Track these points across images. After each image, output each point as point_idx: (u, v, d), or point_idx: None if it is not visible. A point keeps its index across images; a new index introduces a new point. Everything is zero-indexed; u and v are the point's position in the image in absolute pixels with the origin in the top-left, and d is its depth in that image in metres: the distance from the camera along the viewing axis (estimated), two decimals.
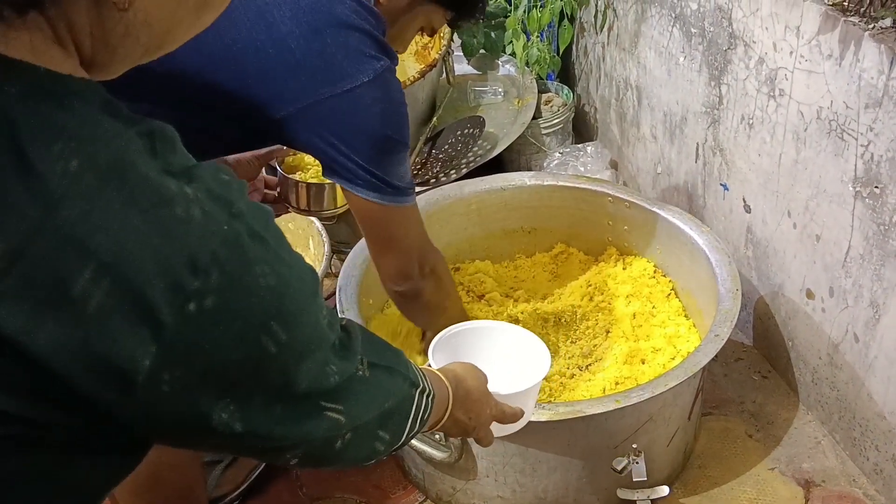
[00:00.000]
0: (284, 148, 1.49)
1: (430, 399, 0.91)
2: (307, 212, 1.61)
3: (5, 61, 0.57)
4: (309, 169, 1.63)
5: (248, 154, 1.49)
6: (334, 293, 1.72)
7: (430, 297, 1.54)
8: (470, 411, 1.05)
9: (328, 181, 1.47)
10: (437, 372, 1.01)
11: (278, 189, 1.61)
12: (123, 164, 0.58)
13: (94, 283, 0.55)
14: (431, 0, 1.41)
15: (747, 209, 1.94)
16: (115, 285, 0.55)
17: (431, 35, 1.50)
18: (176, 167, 0.60)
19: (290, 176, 1.58)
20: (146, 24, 0.63)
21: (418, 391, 0.89)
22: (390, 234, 1.43)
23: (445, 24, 1.49)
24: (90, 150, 0.57)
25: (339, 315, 1.60)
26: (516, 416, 1.15)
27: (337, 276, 1.77)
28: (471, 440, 1.15)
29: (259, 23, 1.25)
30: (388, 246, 1.45)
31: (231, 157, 1.47)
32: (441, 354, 1.18)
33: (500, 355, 1.24)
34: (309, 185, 1.57)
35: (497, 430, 1.15)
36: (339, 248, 2.15)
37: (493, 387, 1.11)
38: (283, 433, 0.68)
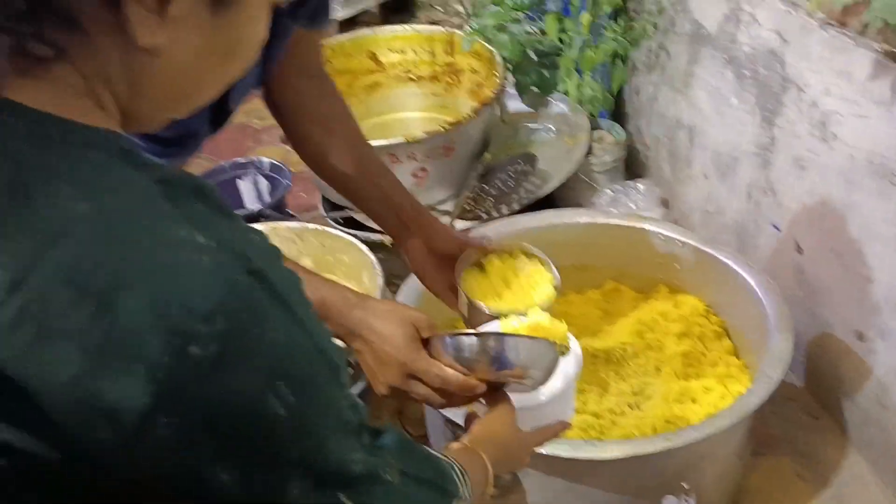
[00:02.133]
0: (486, 242, 1.31)
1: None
2: None
3: (26, 109, 0.59)
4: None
5: (455, 235, 1.35)
6: None
7: None
8: (509, 465, 1.05)
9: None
10: (473, 447, 0.98)
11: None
12: (130, 209, 0.58)
13: (91, 320, 0.55)
14: None
15: (798, 250, 1.95)
16: (112, 323, 0.55)
17: None
18: (195, 216, 0.60)
19: (478, 302, 1.22)
20: (178, 70, 0.65)
21: (454, 500, 0.85)
22: None
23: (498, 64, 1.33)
24: (98, 196, 0.58)
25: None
26: (556, 433, 1.12)
27: None
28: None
29: None
30: None
31: (442, 233, 1.35)
32: None
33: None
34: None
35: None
36: (391, 281, 2.19)
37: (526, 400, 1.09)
38: None
